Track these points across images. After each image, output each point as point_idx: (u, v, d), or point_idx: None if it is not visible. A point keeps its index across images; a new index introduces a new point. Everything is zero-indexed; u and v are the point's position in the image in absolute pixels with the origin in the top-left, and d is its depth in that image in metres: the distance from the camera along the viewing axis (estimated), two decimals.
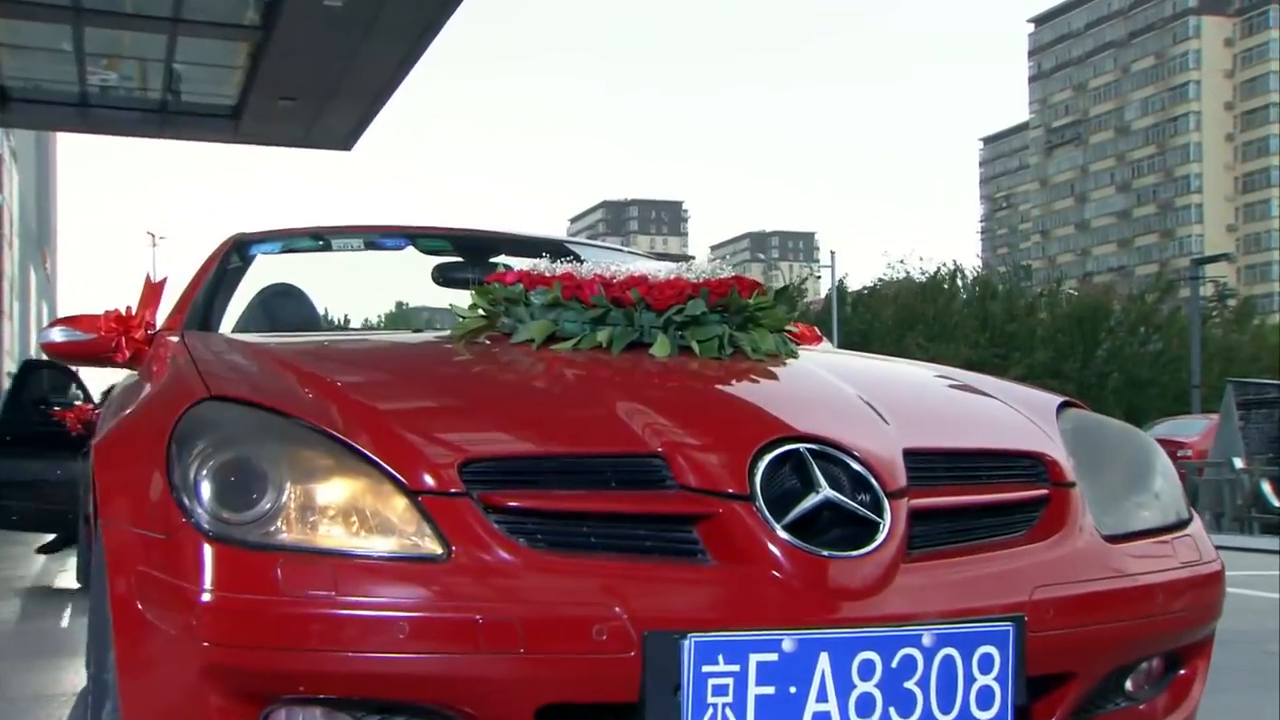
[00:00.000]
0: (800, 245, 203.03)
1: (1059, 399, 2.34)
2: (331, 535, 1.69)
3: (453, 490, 1.71)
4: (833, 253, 32.76)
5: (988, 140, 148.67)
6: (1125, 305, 35.81)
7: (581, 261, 2.33)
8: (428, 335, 2.79)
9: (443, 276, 3.55)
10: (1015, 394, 2.35)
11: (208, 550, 1.67)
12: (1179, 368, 31.94)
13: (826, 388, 2.12)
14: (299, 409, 1.85)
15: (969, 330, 31.44)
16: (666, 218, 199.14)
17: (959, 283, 39.95)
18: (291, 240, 3.41)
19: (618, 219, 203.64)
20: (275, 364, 2.14)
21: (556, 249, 3.61)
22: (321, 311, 3.63)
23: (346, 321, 4.26)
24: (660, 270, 2.37)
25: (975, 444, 2.02)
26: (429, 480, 1.72)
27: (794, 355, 2.35)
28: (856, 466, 1.80)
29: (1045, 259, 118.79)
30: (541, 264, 2.41)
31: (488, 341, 2.39)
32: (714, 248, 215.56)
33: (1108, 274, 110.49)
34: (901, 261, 59.76)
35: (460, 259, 3.53)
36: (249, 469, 1.74)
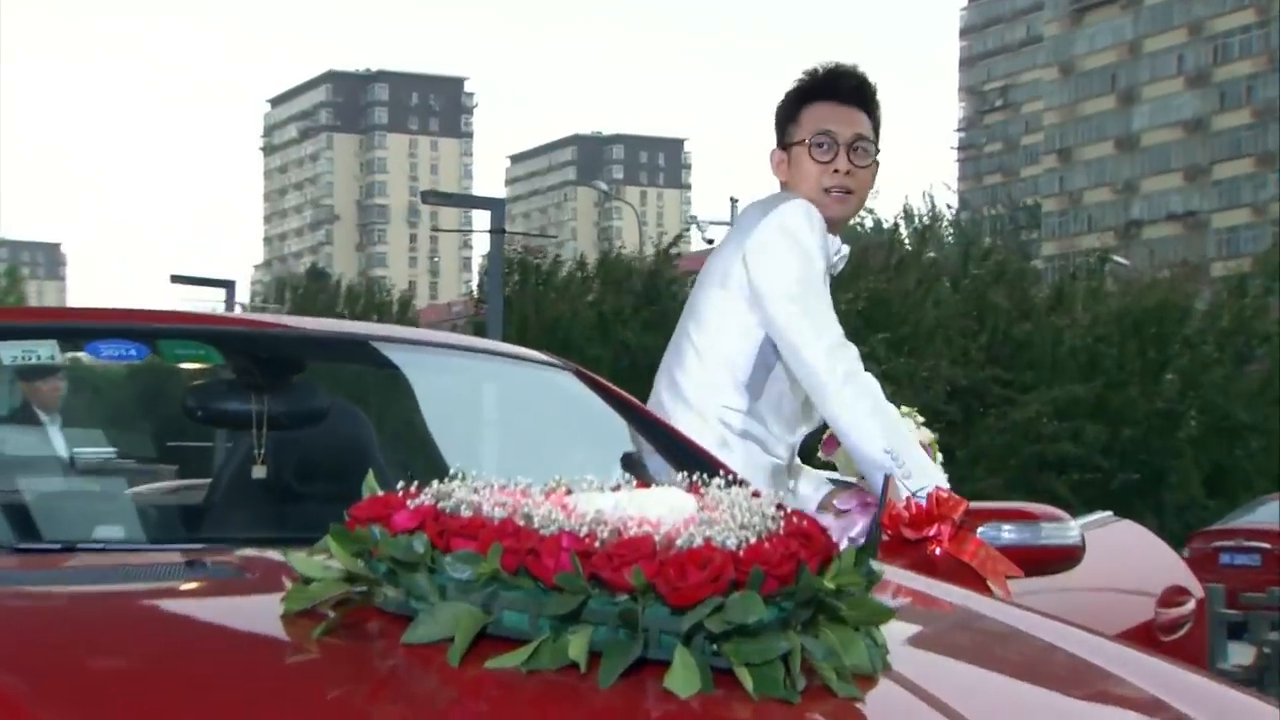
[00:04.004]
0: (661, 161, 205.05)
1: None
2: None
3: None
4: (733, 201, 33.07)
5: None
6: (1214, 302, 36.88)
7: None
8: (224, 584, 2.71)
9: (203, 408, 3.48)
10: None
11: None
12: None
13: None
14: None
15: (955, 332, 31.88)
16: (438, 105, 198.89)
17: (925, 236, 40.55)
18: None
19: (354, 103, 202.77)
20: None
21: (379, 357, 3.56)
22: None
23: None
24: (662, 507, 2.31)
25: None
26: None
27: (888, 666, 2.35)
28: None
29: (1063, 195, 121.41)
30: (457, 490, 2.33)
31: (330, 611, 2.31)
32: (516, 158, 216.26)
33: (1166, 223, 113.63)
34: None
35: (233, 375, 3.45)
36: None
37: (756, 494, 2.42)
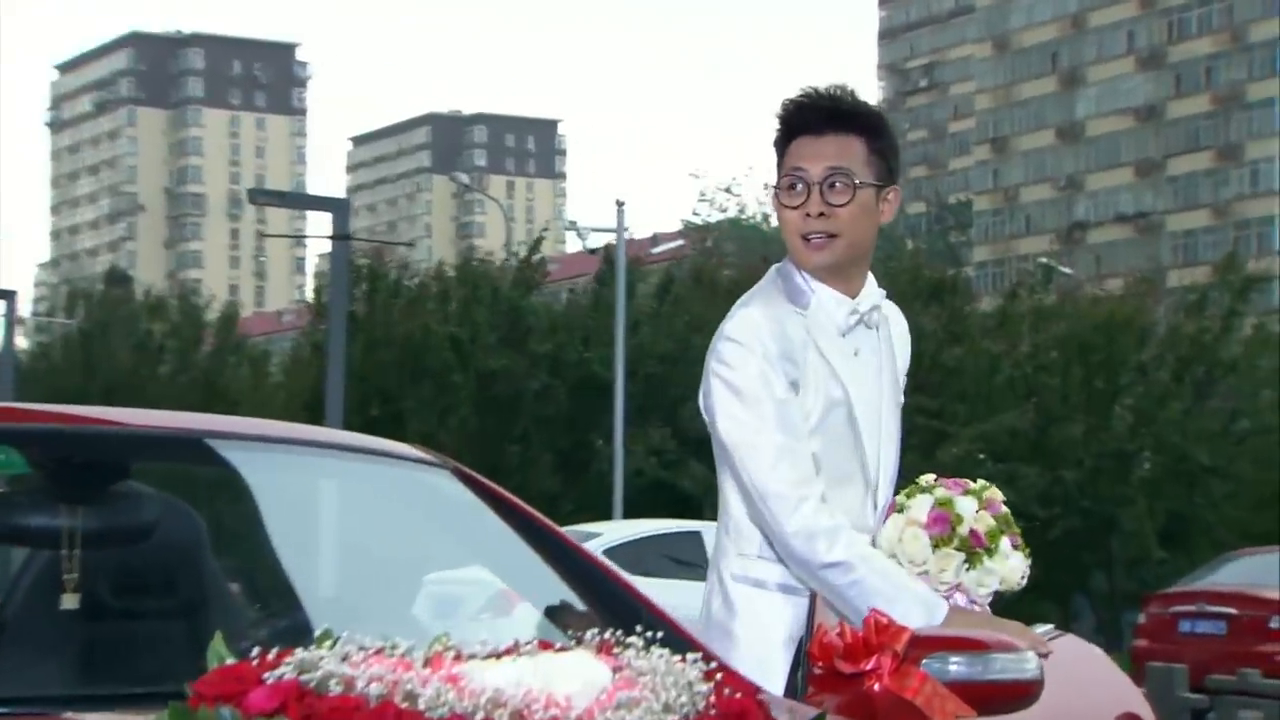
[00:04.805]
0: (531, 145, 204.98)
1: None
2: None
3: None
4: (620, 205, 33.04)
5: None
6: (1169, 321, 37.16)
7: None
8: None
9: (9, 527, 3.45)
10: None
11: None
12: (1270, 445, 33.46)
13: None
14: None
15: None
16: (265, 78, 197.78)
17: None
18: None
19: (162, 71, 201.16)
20: None
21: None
22: None
23: None
24: (572, 681, 2.30)
25: None
26: None
27: None
28: None
29: (998, 192, 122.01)
30: (324, 659, 2.29)
31: None
32: (360, 140, 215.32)
33: (1114, 225, 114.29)
34: (728, 191, 60.75)
35: (40, 484, 3.40)
36: None
37: (683, 658, 2.40)
